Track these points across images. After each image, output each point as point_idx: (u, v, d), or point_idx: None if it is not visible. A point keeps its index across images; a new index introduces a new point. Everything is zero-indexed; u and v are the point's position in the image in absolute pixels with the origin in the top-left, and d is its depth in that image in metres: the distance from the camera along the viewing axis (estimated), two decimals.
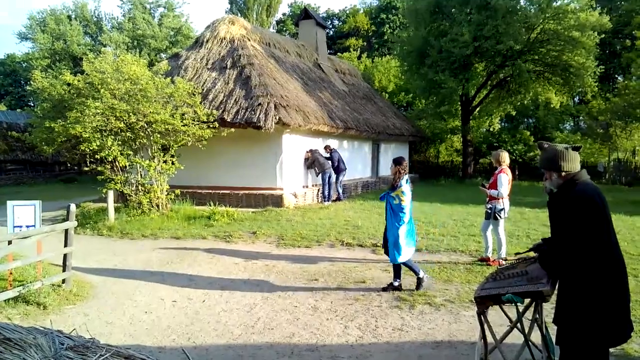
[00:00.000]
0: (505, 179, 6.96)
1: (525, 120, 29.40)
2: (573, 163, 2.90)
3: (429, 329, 4.85)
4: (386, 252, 6.10)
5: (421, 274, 5.99)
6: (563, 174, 2.90)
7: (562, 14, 18.67)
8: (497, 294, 2.97)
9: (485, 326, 3.25)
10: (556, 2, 19.15)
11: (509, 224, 9.13)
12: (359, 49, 37.87)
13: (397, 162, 5.86)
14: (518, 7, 19.58)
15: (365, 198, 14.58)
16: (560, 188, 2.92)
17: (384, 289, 6.01)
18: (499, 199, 7.01)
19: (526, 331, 3.20)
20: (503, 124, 29.65)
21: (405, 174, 5.84)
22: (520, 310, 3.22)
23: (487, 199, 7.20)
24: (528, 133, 26.04)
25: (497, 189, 6.97)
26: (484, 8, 19.15)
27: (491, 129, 26.63)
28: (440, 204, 13.37)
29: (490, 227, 7.20)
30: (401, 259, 5.80)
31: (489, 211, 7.12)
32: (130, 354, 1.69)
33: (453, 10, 20.50)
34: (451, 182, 22.48)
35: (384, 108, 21.66)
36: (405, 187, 5.70)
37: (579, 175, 2.88)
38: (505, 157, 7.11)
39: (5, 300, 5.36)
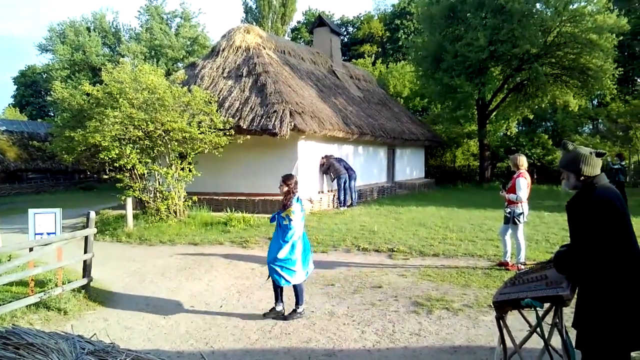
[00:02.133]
0: (523, 183, 6.89)
1: (543, 123, 29.06)
2: (594, 168, 2.87)
3: (446, 334, 4.81)
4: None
5: (300, 309, 5.41)
6: (582, 177, 2.87)
7: (579, 17, 18.45)
8: (516, 299, 2.93)
9: (505, 331, 3.21)
10: (573, 5, 18.91)
11: (528, 228, 9.01)
12: (373, 55, 37.91)
13: (285, 180, 5.34)
14: (534, 11, 19.40)
15: (381, 203, 14.53)
16: (579, 191, 2.90)
17: (265, 315, 5.41)
18: (517, 203, 6.94)
19: (546, 336, 3.15)
20: (520, 127, 29.35)
21: (297, 192, 5.38)
22: (540, 315, 3.18)
23: (506, 203, 7.12)
24: (546, 136, 25.72)
25: (515, 193, 6.90)
26: (499, 12, 19.03)
27: (508, 133, 26.36)
28: (458, 209, 13.26)
29: (509, 231, 7.12)
30: (294, 281, 5.28)
31: (508, 215, 7.05)
32: (149, 357, 1.71)
33: (468, 14, 20.40)
34: (468, 187, 22.31)
35: (399, 113, 21.62)
36: (296, 206, 5.23)
37: (599, 179, 2.85)
38: (523, 160, 7.04)
39: (27, 306, 5.45)
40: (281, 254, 5.19)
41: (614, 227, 2.65)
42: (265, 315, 5.44)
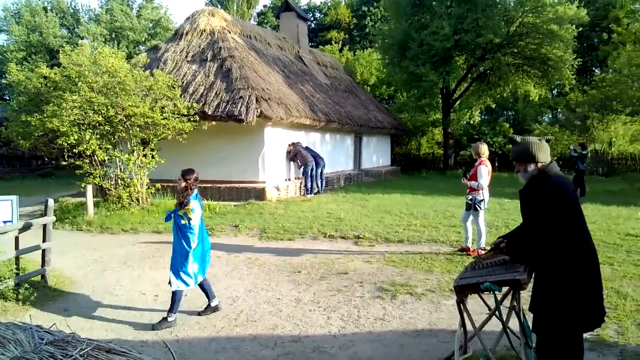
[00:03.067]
0: (484, 171, 7.06)
1: (505, 112, 29.82)
2: (546, 154, 2.98)
3: (410, 318, 4.92)
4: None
5: (214, 302, 5.20)
6: (539, 164, 2.96)
7: (541, 7, 18.90)
8: (476, 283, 3.02)
9: (465, 315, 3.31)
10: None
11: (488, 214, 9.26)
12: (340, 41, 37.81)
13: (185, 175, 4.97)
14: (498, 1, 19.78)
15: (347, 190, 14.63)
16: (532, 179, 2.99)
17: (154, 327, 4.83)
18: (478, 190, 7.11)
19: (504, 319, 3.27)
20: (483, 116, 30.00)
21: (195, 187, 5.01)
22: (499, 299, 3.29)
23: (468, 190, 7.29)
24: (507, 125, 26.42)
25: (477, 181, 7.07)
26: (464, 1, 19.30)
27: (471, 122, 26.93)
28: (422, 196, 13.50)
29: (471, 217, 7.31)
30: (190, 285, 4.96)
31: (470, 202, 7.22)
32: (111, 347, 1.67)
33: (434, 3, 20.58)
34: (433, 174, 22.70)
35: (365, 101, 21.71)
36: (194, 203, 4.88)
37: (551, 167, 2.95)
38: (484, 149, 7.20)
39: None
40: (190, 260, 4.89)
41: (567, 214, 2.75)
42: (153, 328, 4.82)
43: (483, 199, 7.14)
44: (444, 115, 23.77)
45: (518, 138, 3.12)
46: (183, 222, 4.86)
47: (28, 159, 27.57)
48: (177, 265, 4.92)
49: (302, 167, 13.48)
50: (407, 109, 26.08)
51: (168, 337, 4.59)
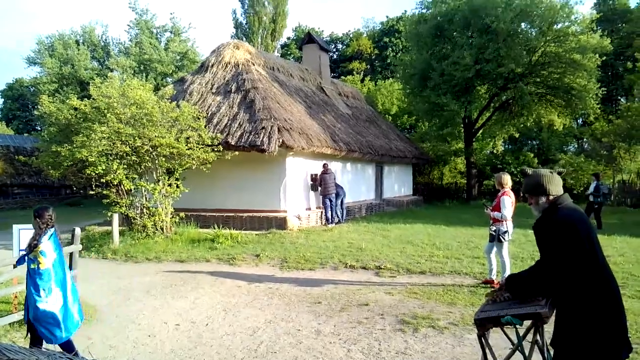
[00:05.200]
0: (508, 201, 6.98)
1: (529, 142, 29.48)
2: (557, 187, 2.97)
3: (432, 352, 4.82)
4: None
5: None
6: (551, 197, 2.95)
7: (563, 37, 18.91)
8: (497, 316, 2.97)
9: (487, 349, 3.24)
10: (557, 25, 19.40)
11: (513, 246, 9.10)
12: (362, 72, 38.32)
13: (35, 213, 4.38)
14: (519, 30, 19.85)
15: (369, 220, 14.57)
16: (544, 212, 2.97)
17: None
18: (502, 221, 7.02)
19: (526, 354, 3.18)
20: (507, 145, 29.74)
21: (49, 227, 4.33)
22: (522, 333, 3.22)
23: (491, 221, 7.20)
24: (532, 155, 26.10)
25: (500, 211, 6.98)
26: (485, 32, 19.43)
27: (495, 151, 26.70)
28: (445, 226, 13.34)
29: (495, 249, 7.19)
30: (60, 338, 4.24)
31: (493, 233, 7.12)
32: None
33: (455, 33, 20.80)
34: (455, 204, 22.46)
35: (387, 130, 21.81)
36: (47, 245, 4.24)
37: (562, 199, 2.93)
38: (507, 179, 7.13)
39: (9, 324, 5.37)
40: (41, 306, 4.15)
41: (577, 247, 2.70)
42: None
43: (507, 231, 7.03)
44: (466, 144, 23.67)
45: (529, 170, 3.12)
46: (32, 266, 4.23)
47: (57, 187, 28.39)
48: (32, 316, 4.21)
49: (322, 196, 13.43)
50: (428, 138, 26.10)
51: None
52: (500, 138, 25.71)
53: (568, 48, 18.92)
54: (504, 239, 7.01)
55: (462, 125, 23.65)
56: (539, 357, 3.33)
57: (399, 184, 21.53)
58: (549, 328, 3.33)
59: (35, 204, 26.23)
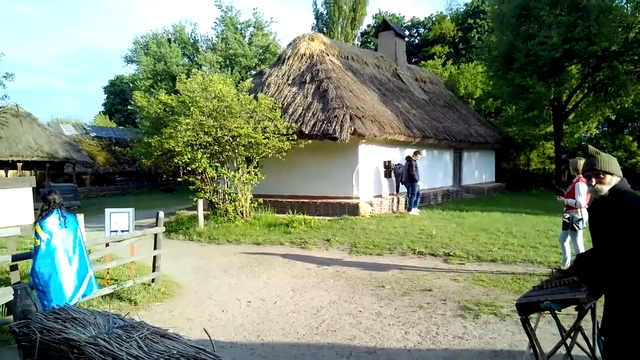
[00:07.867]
0: (583, 188, 6.63)
1: (629, 124, 27.01)
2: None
3: (490, 339, 4.82)
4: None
5: None
6: (620, 179, 2.87)
7: None
8: (537, 302, 2.99)
9: (531, 334, 3.25)
10: None
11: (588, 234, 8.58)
12: (444, 55, 37.17)
13: (42, 197, 4.71)
14: (612, 6, 18.19)
15: (444, 207, 14.36)
16: (608, 196, 2.87)
17: None
18: (576, 209, 6.70)
19: (576, 341, 3.16)
20: (603, 128, 27.49)
21: (54, 209, 4.56)
22: (576, 322, 3.18)
23: (565, 208, 6.90)
24: (631, 138, 23.93)
25: (574, 198, 6.67)
26: (574, 9, 18.05)
27: (588, 134, 24.83)
28: (526, 215, 12.82)
29: (569, 237, 6.89)
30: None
31: (567, 221, 6.82)
32: (165, 332, 2.00)
33: (541, 12, 19.53)
34: (542, 192, 21.30)
35: (466, 115, 21.14)
36: (50, 223, 4.45)
37: (624, 182, 2.85)
38: (582, 164, 6.77)
39: (102, 296, 6.14)
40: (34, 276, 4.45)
41: None
42: None
43: (581, 218, 6.70)
44: (555, 128, 22.25)
45: (593, 148, 2.99)
46: (36, 242, 4.49)
47: (154, 175, 30.86)
48: (37, 285, 4.48)
49: (412, 183, 13.05)
50: (514, 122, 24.82)
51: (255, 340, 5.01)
52: (595, 121, 23.80)
53: None
54: (578, 227, 6.69)
55: (550, 108, 22.24)
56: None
57: (479, 171, 20.84)
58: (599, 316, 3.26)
59: (134, 191, 28.81)
